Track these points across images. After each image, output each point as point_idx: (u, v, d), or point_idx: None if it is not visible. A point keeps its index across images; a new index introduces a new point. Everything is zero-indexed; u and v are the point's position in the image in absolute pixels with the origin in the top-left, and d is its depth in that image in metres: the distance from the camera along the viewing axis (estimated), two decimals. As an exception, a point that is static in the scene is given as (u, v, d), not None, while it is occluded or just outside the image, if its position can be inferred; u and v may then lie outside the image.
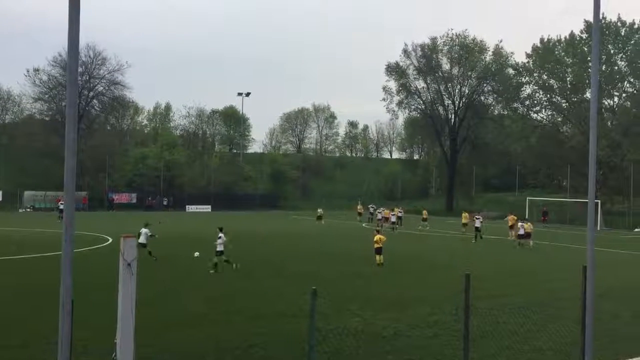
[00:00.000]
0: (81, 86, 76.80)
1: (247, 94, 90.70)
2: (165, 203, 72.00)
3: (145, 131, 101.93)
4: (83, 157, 69.82)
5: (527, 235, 34.11)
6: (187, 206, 71.71)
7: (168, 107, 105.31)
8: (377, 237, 24.41)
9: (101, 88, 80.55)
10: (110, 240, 31.23)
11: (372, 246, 24.43)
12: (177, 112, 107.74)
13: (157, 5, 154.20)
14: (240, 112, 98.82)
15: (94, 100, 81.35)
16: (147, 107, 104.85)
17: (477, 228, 37.51)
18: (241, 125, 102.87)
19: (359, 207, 59.34)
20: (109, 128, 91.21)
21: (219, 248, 21.61)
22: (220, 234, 21.85)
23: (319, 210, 51.17)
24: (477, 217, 39.36)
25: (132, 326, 5.22)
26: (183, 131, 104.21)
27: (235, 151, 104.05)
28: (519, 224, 34.96)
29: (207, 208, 72.67)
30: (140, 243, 21.33)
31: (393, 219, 43.84)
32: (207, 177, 79.63)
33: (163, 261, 23.05)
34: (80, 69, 77.46)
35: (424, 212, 50.74)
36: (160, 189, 74.26)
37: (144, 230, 23.35)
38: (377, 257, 23.80)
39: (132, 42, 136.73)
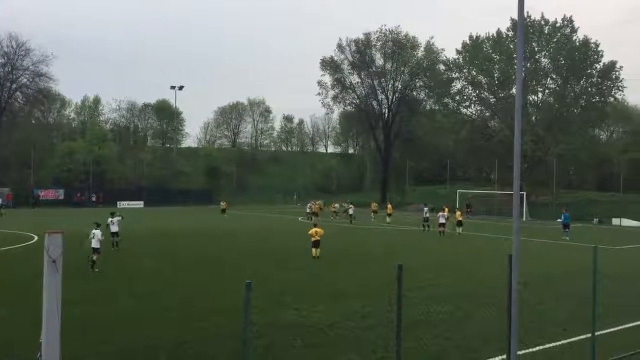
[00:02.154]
0: (3, 78, 73.44)
1: (180, 88, 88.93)
2: (94, 199, 69.66)
3: (73, 125, 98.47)
4: (6, 152, 66.71)
5: (458, 223, 37.38)
6: (118, 202, 69.68)
7: (97, 100, 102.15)
8: (313, 230, 24.57)
9: (25, 80, 77.09)
10: (36, 238, 29.98)
11: (309, 239, 24.58)
12: (107, 105, 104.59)
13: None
14: (174, 106, 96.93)
15: (17, 93, 77.86)
16: (75, 100, 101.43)
17: (425, 219, 39.76)
18: (174, 119, 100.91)
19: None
20: (33, 122, 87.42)
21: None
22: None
23: (222, 203, 51.72)
24: (424, 207, 41.55)
25: (58, 325, 5.04)
26: (113, 125, 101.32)
27: (168, 145, 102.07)
28: (439, 214, 37.42)
29: (139, 204, 70.95)
30: (93, 248, 20.34)
31: (350, 211, 46.86)
32: (139, 172, 77.65)
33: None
34: (1, 60, 74.10)
35: (374, 204, 52.85)
36: (89, 184, 71.83)
37: (96, 232, 20.76)
38: (314, 250, 23.98)
39: (58, 33, 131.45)
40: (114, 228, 25.24)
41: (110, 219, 25.57)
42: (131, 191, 73.60)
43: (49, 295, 5.03)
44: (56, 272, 5.00)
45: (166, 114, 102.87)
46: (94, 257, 20.10)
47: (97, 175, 73.40)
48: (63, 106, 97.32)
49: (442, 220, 36.54)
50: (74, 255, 21.42)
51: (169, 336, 11.78)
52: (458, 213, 38.88)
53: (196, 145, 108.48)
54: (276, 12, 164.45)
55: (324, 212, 49.21)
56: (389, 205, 49.87)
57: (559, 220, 39.26)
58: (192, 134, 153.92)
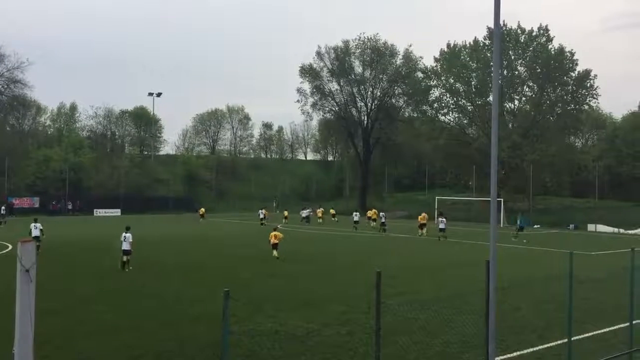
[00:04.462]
0: (-24, 84, 72.16)
1: (158, 94, 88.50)
2: (70, 207, 68.65)
3: (49, 132, 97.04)
4: (-21, 160, 65.53)
5: (421, 226, 40.05)
6: (95, 210, 68.86)
7: (73, 107, 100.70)
8: (272, 234, 26.41)
9: (-1, 87, 75.91)
10: (10, 247, 29.48)
11: (288, 246, 24.81)
12: (84, 112, 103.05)
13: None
14: (151, 113, 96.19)
15: (-8, 100, 76.65)
16: (51, 107, 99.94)
17: (382, 223, 43.16)
18: (152, 126, 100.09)
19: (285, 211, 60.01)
20: (8, 129, 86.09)
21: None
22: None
23: (201, 209, 53.48)
24: (381, 214, 45.04)
25: (31, 336, 4.95)
26: (90, 132, 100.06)
27: (146, 153, 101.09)
28: (439, 219, 39.03)
29: (116, 212, 70.13)
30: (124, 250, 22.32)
31: (356, 218, 48.23)
32: (117, 180, 76.78)
33: (71, 267, 22.05)
34: (-25, 67, 72.85)
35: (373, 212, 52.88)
36: (65, 192, 70.82)
37: (127, 235, 22.72)
38: (275, 251, 25.68)
39: (33, 39, 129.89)
40: (36, 232, 26.67)
41: (33, 224, 27.26)
42: (108, 199, 72.72)
43: (22, 305, 4.93)
44: (29, 282, 4.91)
45: (144, 121, 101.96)
46: (125, 259, 21.88)
47: (74, 183, 72.41)
48: (39, 113, 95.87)
49: (441, 226, 37.64)
50: (55, 264, 21.13)
51: (147, 346, 11.64)
52: (423, 215, 41.01)
53: (174, 153, 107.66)
54: (256, 18, 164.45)
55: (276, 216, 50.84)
56: (374, 211, 50.85)
57: (536, 226, 40.06)
58: (171, 141, 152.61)
